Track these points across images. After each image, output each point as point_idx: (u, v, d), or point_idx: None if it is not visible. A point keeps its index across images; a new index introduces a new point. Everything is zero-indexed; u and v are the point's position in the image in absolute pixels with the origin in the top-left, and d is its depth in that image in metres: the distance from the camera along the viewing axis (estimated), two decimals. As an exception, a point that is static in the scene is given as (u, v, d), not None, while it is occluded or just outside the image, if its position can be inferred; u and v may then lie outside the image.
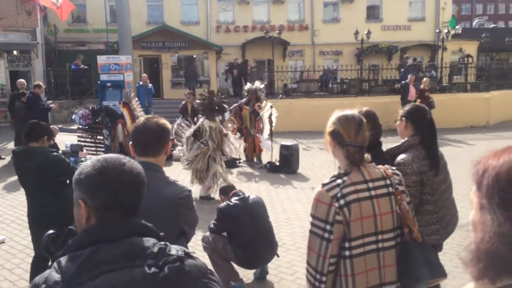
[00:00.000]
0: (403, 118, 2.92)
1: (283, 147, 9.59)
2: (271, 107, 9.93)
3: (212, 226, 4.26)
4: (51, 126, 4.04)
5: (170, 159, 9.36)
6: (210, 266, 2.95)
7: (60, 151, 5.62)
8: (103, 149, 9.00)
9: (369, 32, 19.83)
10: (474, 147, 11.77)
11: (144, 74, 15.00)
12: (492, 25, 40.65)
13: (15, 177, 8.36)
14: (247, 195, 4.32)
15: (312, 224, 1.95)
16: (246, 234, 4.06)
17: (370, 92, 17.77)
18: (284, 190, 8.07)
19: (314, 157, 11.12)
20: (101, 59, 11.16)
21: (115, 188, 1.23)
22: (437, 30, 22.71)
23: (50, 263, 1.23)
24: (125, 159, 1.29)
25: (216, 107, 7.35)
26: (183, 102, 12.00)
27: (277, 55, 21.64)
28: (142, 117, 2.16)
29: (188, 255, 1.24)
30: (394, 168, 2.16)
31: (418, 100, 13.49)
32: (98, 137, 9.35)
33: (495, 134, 14.18)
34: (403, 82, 15.13)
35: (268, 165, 9.74)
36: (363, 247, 1.91)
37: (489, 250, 0.84)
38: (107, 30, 19.59)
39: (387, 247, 1.95)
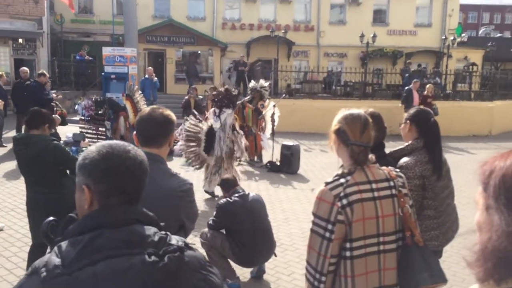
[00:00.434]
0: (408, 121, 2.91)
1: (284, 147, 9.58)
2: (274, 106, 9.92)
3: (211, 222, 4.25)
4: (53, 115, 4.03)
5: (171, 154, 9.35)
6: (207, 261, 2.93)
7: (61, 141, 5.61)
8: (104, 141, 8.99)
9: (374, 36, 19.80)
10: (476, 156, 11.75)
11: (150, 68, 14.97)
12: (498, 35, 40.59)
13: (15, 165, 8.37)
14: (247, 193, 4.30)
15: (314, 223, 1.94)
16: (245, 232, 4.05)
17: (373, 96, 17.72)
18: (283, 190, 8.05)
19: (315, 158, 11.11)
20: (106, 51, 11.19)
21: (119, 174, 1.23)
22: (443, 37, 22.69)
23: (48, 250, 1.22)
24: (129, 146, 1.29)
25: (231, 103, 7.20)
26: (186, 97, 12.00)
27: (282, 55, 21.62)
28: (147, 108, 2.16)
29: (188, 246, 1.23)
30: (397, 170, 2.15)
31: (421, 106, 13.45)
32: (100, 128, 9.34)
33: (497, 144, 14.14)
34: (406, 87, 15.11)
35: (268, 164, 9.72)
36: (364, 249, 1.89)
37: (496, 249, 0.83)
38: (113, 22, 19.59)
39: (388, 250, 1.94)
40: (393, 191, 1.97)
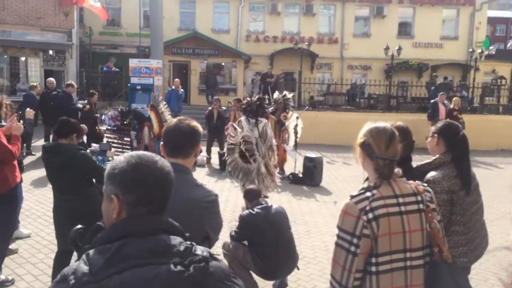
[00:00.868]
0: (435, 135, 2.86)
1: (307, 159, 9.54)
2: (297, 118, 9.91)
3: (233, 233, 4.25)
4: (81, 125, 4.11)
5: (194, 164, 9.42)
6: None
7: (88, 150, 5.72)
8: (129, 151, 9.13)
9: (399, 48, 19.62)
10: (504, 171, 11.45)
11: (177, 80, 15.17)
12: (528, 48, 39.67)
13: (43, 173, 8.56)
14: (269, 205, 4.28)
15: (338, 237, 1.91)
16: (267, 244, 4.02)
17: (398, 109, 17.53)
18: (306, 202, 8.00)
19: (337, 171, 11.01)
20: (133, 63, 11.40)
21: (148, 185, 1.25)
22: (470, 50, 22.33)
23: (76, 258, 1.24)
24: (156, 157, 1.32)
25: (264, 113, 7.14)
26: (209, 108, 12.09)
27: (305, 67, 21.62)
28: (174, 119, 2.18)
29: (213, 256, 1.24)
30: (425, 184, 2.11)
31: (448, 119, 13.23)
32: (125, 138, 9.50)
33: (526, 158, 13.76)
34: (432, 101, 14.90)
35: (291, 176, 9.69)
36: (390, 264, 1.85)
37: None
38: (140, 35, 19.98)
39: (415, 266, 1.89)
40: (421, 205, 1.93)
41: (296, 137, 9.89)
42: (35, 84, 11.61)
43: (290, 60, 22.06)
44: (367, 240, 1.83)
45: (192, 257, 1.16)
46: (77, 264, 1.14)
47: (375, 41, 23.05)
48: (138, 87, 11.10)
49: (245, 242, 4.22)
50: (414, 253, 1.89)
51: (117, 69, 19.60)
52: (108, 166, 1.30)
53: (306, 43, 21.58)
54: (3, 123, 4.55)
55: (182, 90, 14.98)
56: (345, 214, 1.90)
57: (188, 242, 1.22)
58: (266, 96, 9.81)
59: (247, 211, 4.22)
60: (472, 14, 24.36)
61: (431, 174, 2.71)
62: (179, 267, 1.12)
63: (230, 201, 7.70)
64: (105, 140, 9.38)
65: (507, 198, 7.76)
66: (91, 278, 1.08)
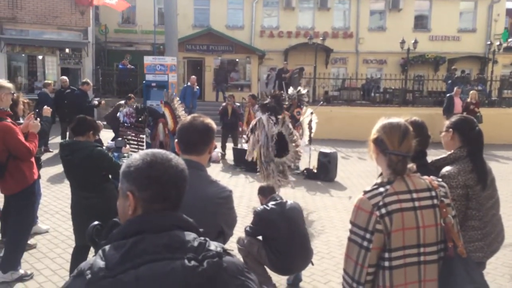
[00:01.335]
0: (450, 130, 2.83)
1: (321, 154, 9.51)
2: (312, 113, 9.87)
3: (248, 229, 4.27)
4: (97, 122, 4.18)
5: (208, 160, 9.46)
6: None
7: (104, 146, 5.80)
8: (144, 147, 9.22)
9: (416, 42, 19.36)
10: (523, 165, 11.24)
11: (193, 76, 15.21)
12: (548, 39, 38.78)
13: (60, 170, 8.72)
14: (284, 200, 4.30)
15: (351, 232, 1.92)
16: (282, 240, 4.04)
17: (414, 103, 17.33)
18: (320, 197, 7.99)
19: (352, 166, 10.96)
20: (148, 60, 11.48)
21: (163, 182, 1.27)
22: (488, 42, 21.93)
23: (94, 253, 1.27)
24: (171, 155, 1.34)
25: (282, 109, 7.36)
26: (224, 104, 12.14)
27: (320, 62, 21.50)
28: (189, 116, 2.21)
29: (226, 252, 1.26)
30: (440, 179, 2.09)
31: (464, 113, 13.07)
32: (140, 135, 9.59)
33: (546, 152, 13.49)
34: (448, 95, 14.71)
35: (305, 171, 9.68)
36: (404, 259, 1.85)
37: None
38: (154, 32, 20.11)
39: (429, 261, 1.89)
40: (435, 201, 1.92)
41: (310, 132, 9.86)
42: (49, 82, 11.74)
43: (304, 55, 21.97)
44: (380, 235, 1.84)
45: (206, 253, 1.18)
46: (94, 259, 1.17)
47: (390, 34, 22.80)
48: (153, 84, 11.18)
49: (260, 237, 4.24)
50: (428, 248, 1.89)
51: (132, 67, 19.77)
52: (123, 164, 1.33)
53: (321, 38, 21.45)
54: (21, 121, 4.64)
55: (197, 87, 15.03)
56: (358, 209, 1.90)
57: (202, 238, 1.24)
58: (283, 92, 9.90)
59: (262, 207, 4.24)
60: (490, 6, 23.90)
61: (446, 169, 2.69)
62: (193, 262, 1.14)
63: (245, 197, 7.74)
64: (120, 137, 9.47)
65: (526, 193, 7.64)
66: (107, 273, 1.11)
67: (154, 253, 1.15)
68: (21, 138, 4.13)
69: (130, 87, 19.15)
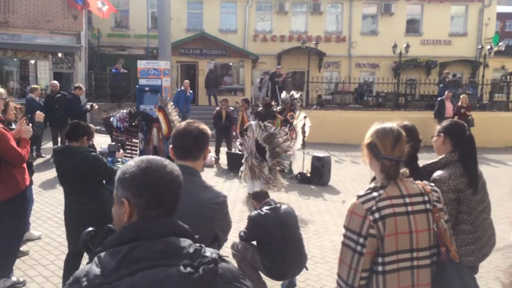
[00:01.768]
0: (441, 134, 2.86)
1: (315, 158, 9.54)
2: (305, 117, 9.91)
3: (242, 234, 4.27)
4: (91, 127, 4.17)
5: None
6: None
7: (97, 151, 5.78)
8: (138, 152, 9.19)
9: (408, 46, 19.52)
10: (514, 168, 11.35)
11: (187, 81, 15.19)
12: (538, 43, 39.21)
13: (53, 175, 8.67)
14: (278, 205, 4.30)
15: (345, 236, 1.93)
16: (276, 245, 4.04)
17: (406, 107, 17.47)
18: (314, 202, 8.00)
19: (346, 170, 11.00)
20: (141, 64, 11.45)
21: (158, 188, 1.28)
22: (479, 46, 22.14)
23: (86, 259, 1.27)
24: (166, 161, 1.35)
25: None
26: (217, 109, 12.14)
27: (313, 66, 21.58)
28: (183, 122, 2.21)
29: (221, 258, 1.27)
30: (432, 184, 2.12)
31: (456, 117, 13.19)
32: (134, 140, 9.56)
33: (537, 155, 13.63)
34: (439, 98, 14.83)
35: (299, 175, 9.69)
36: (397, 264, 1.87)
37: None
38: (148, 36, 20.08)
39: (422, 266, 1.90)
40: (428, 205, 1.94)
41: (304, 136, 9.89)
42: (35, 87, 11.58)
43: (297, 59, 22.04)
44: (373, 240, 1.85)
45: (201, 259, 1.19)
46: (89, 266, 1.17)
47: (383, 39, 22.95)
48: (147, 88, 11.15)
49: (254, 243, 4.24)
50: (421, 253, 1.90)
51: (125, 71, 19.72)
52: (118, 171, 1.34)
53: (314, 42, 21.55)
54: (13, 126, 4.61)
55: (191, 91, 15.03)
56: (351, 214, 1.92)
57: (198, 244, 1.25)
58: (274, 100, 10.19)
59: (256, 212, 4.24)
60: (481, 10, 24.15)
61: (438, 173, 2.71)
62: (188, 269, 1.15)
63: (238, 202, 7.74)
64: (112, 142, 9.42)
65: (518, 195, 7.72)
66: (103, 280, 1.11)
67: (150, 259, 1.15)
68: (13, 143, 4.11)
69: (123, 92, 19.11)
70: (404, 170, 1.99)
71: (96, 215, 3.49)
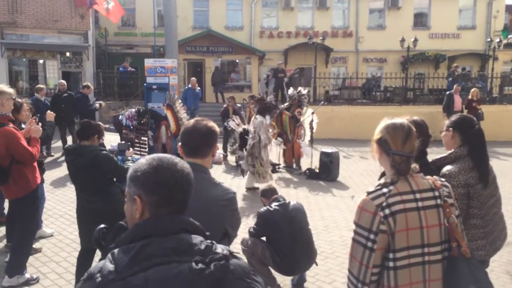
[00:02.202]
0: (450, 129, 2.84)
1: (323, 154, 9.52)
2: (313, 113, 9.89)
3: (251, 230, 4.29)
4: (101, 126, 4.20)
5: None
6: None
7: (107, 149, 5.81)
8: (147, 150, 9.24)
9: (415, 40, 19.35)
10: (525, 162, 11.24)
11: (193, 78, 15.23)
12: (548, 35, 38.69)
13: (63, 173, 8.76)
14: (287, 201, 4.31)
15: (355, 232, 1.93)
16: (285, 241, 4.05)
17: (415, 101, 17.36)
18: (323, 197, 8.00)
19: (354, 165, 10.97)
20: (148, 62, 11.51)
21: (169, 186, 1.30)
22: (488, 39, 21.92)
23: (99, 256, 1.29)
24: (176, 159, 1.36)
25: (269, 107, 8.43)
26: (225, 106, 12.16)
27: (320, 62, 21.51)
28: (192, 120, 2.23)
29: (232, 254, 1.28)
30: (443, 179, 2.10)
31: (466, 111, 13.08)
32: (142, 138, 9.61)
33: (548, 149, 13.48)
34: (447, 92, 14.71)
35: (307, 171, 9.69)
36: (408, 259, 1.86)
37: None
38: (154, 34, 20.14)
39: (433, 261, 1.90)
40: (438, 201, 1.94)
41: (311, 132, 9.88)
42: (41, 86, 11.63)
43: (304, 55, 21.97)
44: (384, 236, 1.85)
45: (213, 255, 1.20)
46: (103, 262, 1.19)
47: (390, 33, 22.79)
48: (154, 86, 11.21)
49: (264, 238, 4.26)
50: (432, 248, 1.90)
51: (133, 69, 19.80)
52: (130, 169, 1.35)
53: (320, 38, 21.46)
54: (23, 126, 4.67)
55: (198, 88, 15.06)
56: (361, 210, 1.91)
57: (209, 241, 1.27)
58: (273, 95, 10.60)
59: (265, 208, 4.26)
60: (489, 3, 23.87)
61: (447, 168, 2.70)
62: (200, 265, 1.16)
63: (247, 198, 7.75)
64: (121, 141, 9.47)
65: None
66: (117, 276, 1.13)
67: (162, 256, 1.17)
68: (24, 143, 4.16)
69: (131, 90, 19.20)
70: (414, 165, 1.98)
71: (108, 213, 3.53)
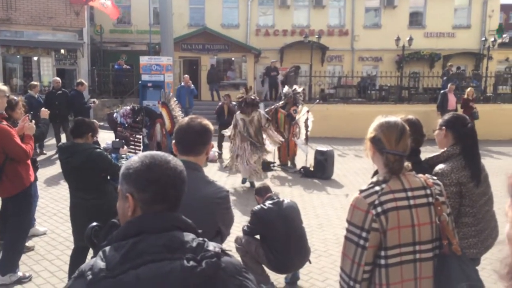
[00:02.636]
0: (443, 127, 2.86)
1: (318, 152, 9.53)
2: (308, 111, 9.90)
3: (245, 228, 4.29)
4: (95, 123, 4.19)
5: (205, 160, 9.48)
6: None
7: (101, 147, 5.80)
8: (141, 148, 9.22)
9: (411, 39, 19.40)
10: (518, 161, 11.30)
11: (186, 76, 15.18)
12: (542, 35, 38.89)
13: (57, 171, 8.72)
14: (281, 199, 4.32)
15: (348, 230, 1.94)
16: (279, 239, 4.06)
17: (409, 100, 17.41)
18: (317, 195, 8.02)
19: (349, 163, 11.00)
20: (143, 60, 11.49)
21: (161, 183, 1.29)
22: (483, 38, 22.01)
23: (91, 254, 1.29)
24: (169, 157, 1.36)
25: (248, 102, 8.53)
26: (220, 104, 12.14)
27: (316, 60, 21.51)
28: (186, 117, 2.23)
29: (224, 252, 1.28)
30: (435, 178, 2.12)
31: (461, 110, 13.13)
32: (137, 136, 9.58)
33: (541, 148, 13.57)
34: (442, 91, 14.76)
35: (302, 169, 9.70)
36: (400, 257, 1.88)
37: None
38: (150, 32, 20.07)
39: (425, 258, 1.91)
40: (430, 199, 1.95)
41: (307, 130, 9.89)
42: (35, 83, 11.53)
43: (300, 53, 21.98)
44: (376, 233, 1.86)
45: (204, 253, 1.20)
46: (94, 260, 1.19)
47: (386, 32, 22.83)
48: (149, 84, 11.18)
49: (257, 237, 4.26)
50: (423, 246, 1.91)
51: (128, 67, 19.73)
52: (123, 166, 1.35)
53: (316, 36, 21.47)
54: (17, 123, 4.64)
55: (193, 86, 15.02)
56: (354, 208, 1.92)
57: (201, 239, 1.27)
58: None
59: (259, 206, 4.26)
60: (484, 2, 23.97)
61: (440, 167, 2.71)
62: (191, 263, 1.16)
63: (241, 196, 7.75)
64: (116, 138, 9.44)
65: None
66: (108, 273, 1.13)
67: (153, 253, 1.17)
68: (18, 140, 4.14)
69: (126, 88, 19.13)
70: (406, 164, 1.99)
71: (102, 211, 3.52)
